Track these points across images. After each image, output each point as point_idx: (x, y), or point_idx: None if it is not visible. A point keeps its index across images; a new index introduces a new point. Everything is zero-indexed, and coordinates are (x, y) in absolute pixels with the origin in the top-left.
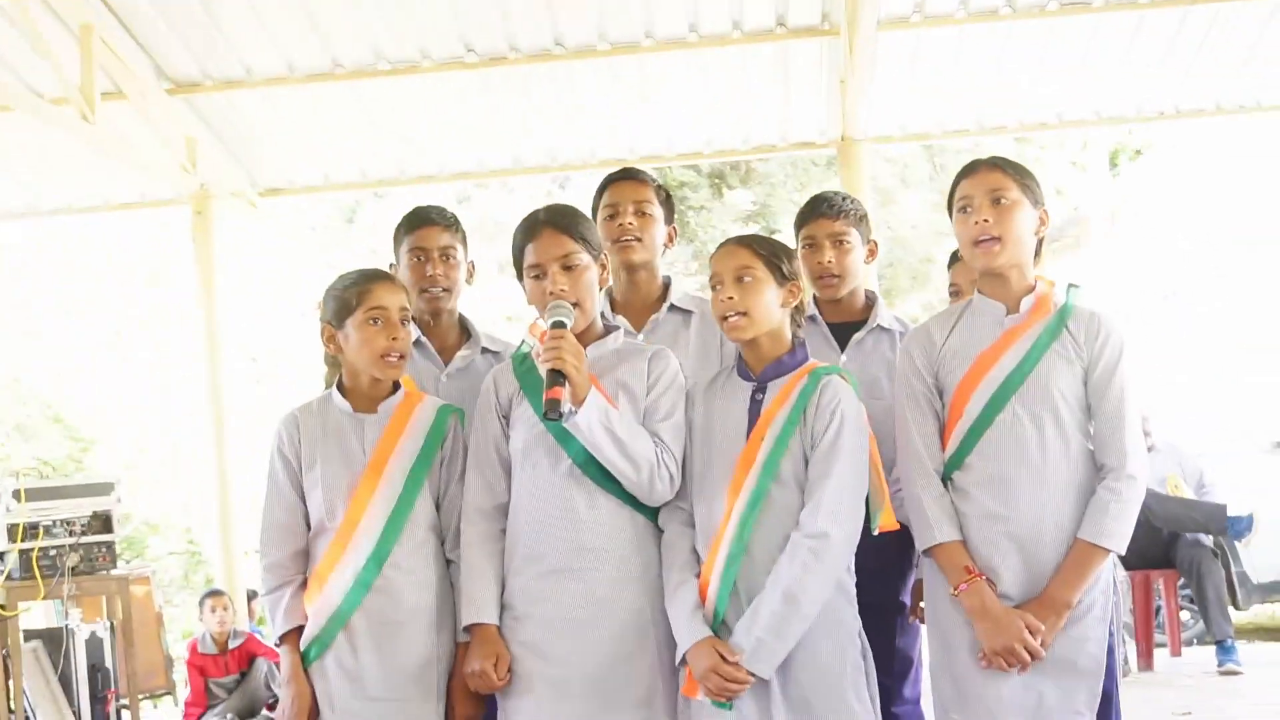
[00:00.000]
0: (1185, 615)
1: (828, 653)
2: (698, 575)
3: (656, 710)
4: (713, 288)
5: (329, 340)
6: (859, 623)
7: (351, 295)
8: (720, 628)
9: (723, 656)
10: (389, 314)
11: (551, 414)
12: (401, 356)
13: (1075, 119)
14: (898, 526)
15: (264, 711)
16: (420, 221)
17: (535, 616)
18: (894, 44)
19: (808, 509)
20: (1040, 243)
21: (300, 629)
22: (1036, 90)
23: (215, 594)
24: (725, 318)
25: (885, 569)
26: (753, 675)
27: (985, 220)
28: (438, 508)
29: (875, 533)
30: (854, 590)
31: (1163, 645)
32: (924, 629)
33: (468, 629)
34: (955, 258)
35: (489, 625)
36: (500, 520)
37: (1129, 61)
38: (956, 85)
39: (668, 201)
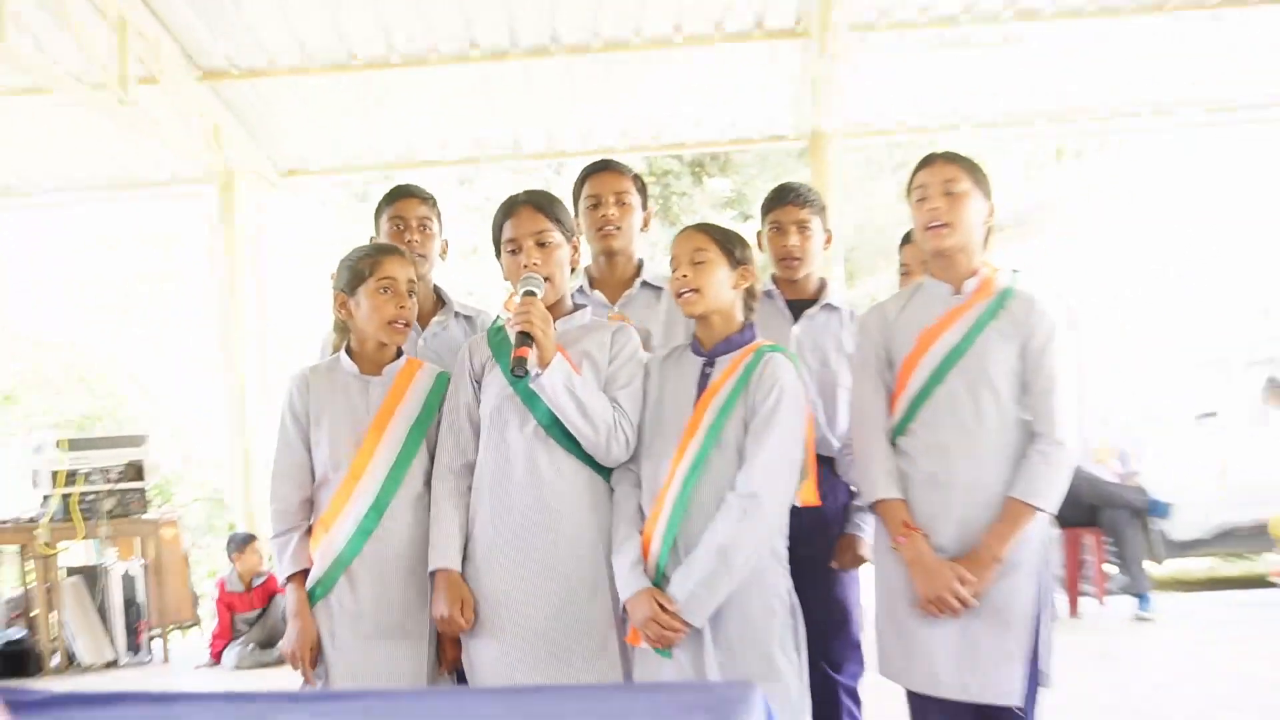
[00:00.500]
0: (1110, 569)
1: (757, 609)
2: (642, 532)
3: (610, 657)
4: (672, 269)
5: (341, 306)
6: (789, 582)
7: (364, 266)
8: (661, 580)
9: (661, 606)
10: (397, 284)
11: (519, 370)
12: (407, 324)
13: (1024, 119)
14: (818, 503)
15: (281, 642)
16: (400, 194)
17: (498, 567)
18: (861, 47)
19: (742, 472)
20: (989, 232)
21: (305, 572)
22: (990, 92)
23: (249, 539)
24: (680, 294)
25: (823, 527)
26: (687, 625)
27: (937, 207)
28: (433, 462)
29: (799, 504)
30: (785, 553)
31: (1088, 594)
32: (862, 579)
33: (432, 574)
34: (906, 239)
35: (453, 570)
36: (467, 477)
37: (1075, 66)
38: (917, 86)
39: (643, 188)
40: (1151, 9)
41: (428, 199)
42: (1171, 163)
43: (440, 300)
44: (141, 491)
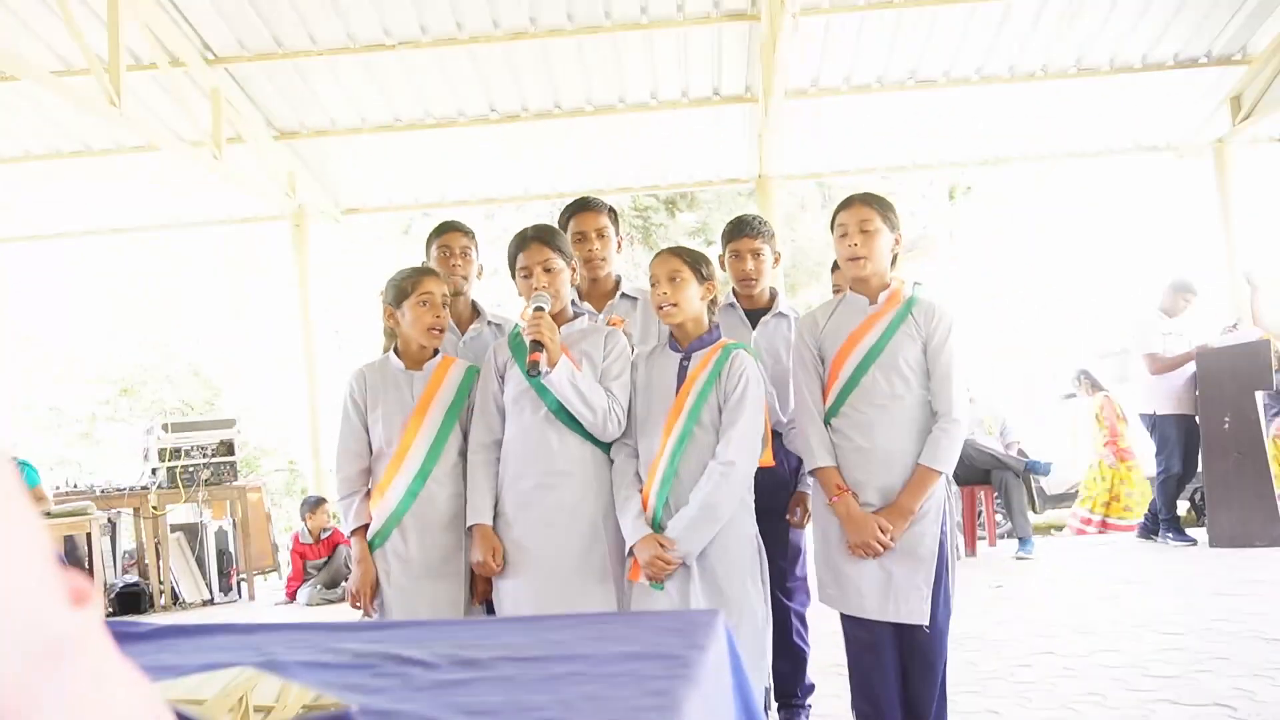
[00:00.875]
0: (999, 518)
1: (733, 548)
2: (640, 491)
3: (609, 589)
4: (651, 285)
5: (389, 317)
6: (756, 529)
7: (407, 284)
8: (658, 530)
9: (662, 545)
10: (434, 299)
11: (533, 372)
12: (442, 330)
13: (924, 164)
14: (772, 463)
15: (343, 583)
16: (447, 228)
17: (520, 520)
18: (797, 109)
19: (721, 444)
20: (895, 256)
21: (365, 526)
22: (898, 143)
23: (320, 501)
24: (660, 307)
25: (780, 486)
26: (680, 562)
27: (855, 243)
28: (465, 438)
29: (760, 466)
30: (753, 505)
31: (983, 538)
32: (808, 528)
33: (469, 529)
34: (836, 265)
35: (486, 525)
36: (496, 450)
37: (963, 123)
38: (841, 139)
39: (616, 218)
40: (1025, 78)
41: (469, 232)
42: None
43: (476, 311)
44: (232, 464)
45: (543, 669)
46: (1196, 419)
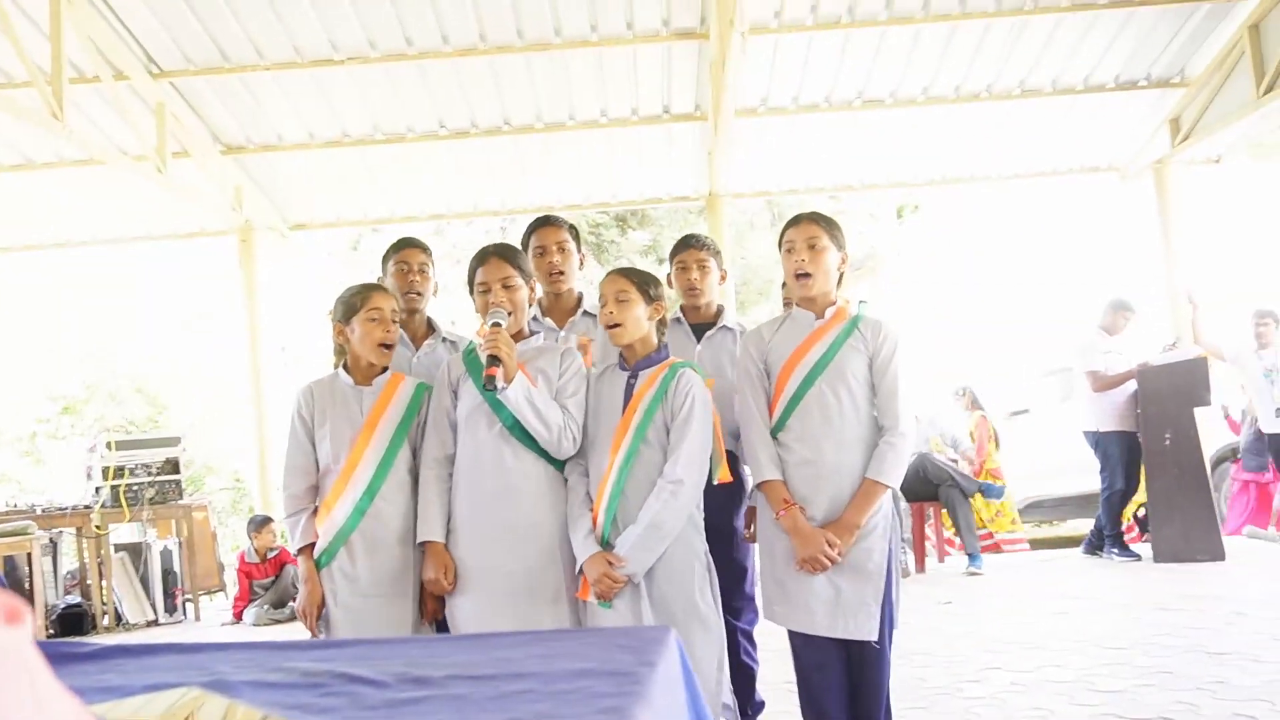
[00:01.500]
0: (949, 534)
1: (680, 565)
2: (591, 510)
3: (562, 607)
4: (600, 305)
5: (339, 333)
6: (705, 545)
7: (356, 300)
8: (606, 548)
9: (610, 564)
10: (384, 314)
11: (489, 386)
12: (391, 346)
13: (872, 183)
14: (731, 479)
15: (290, 603)
16: (405, 245)
17: (473, 537)
18: (746, 128)
19: (669, 462)
20: (842, 275)
21: (312, 545)
22: (846, 162)
23: (266, 519)
24: (608, 327)
25: (726, 504)
26: (628, 578)
27: (803, 259)
28: (414, 455)
29: (715, 483)
30: (702, 522)
31: (931, 555)
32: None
33: (421, 545)
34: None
35: (438, 542)
36: (449, 466)
37: (910, 143)
38: (790, 158)
39: (577, 236)
40: (970, 98)
41: (426, 249)
42: (986, 219)
43: (431, 328)
44: (177, 482)
45: (494, 687)
46: (1138, 435)
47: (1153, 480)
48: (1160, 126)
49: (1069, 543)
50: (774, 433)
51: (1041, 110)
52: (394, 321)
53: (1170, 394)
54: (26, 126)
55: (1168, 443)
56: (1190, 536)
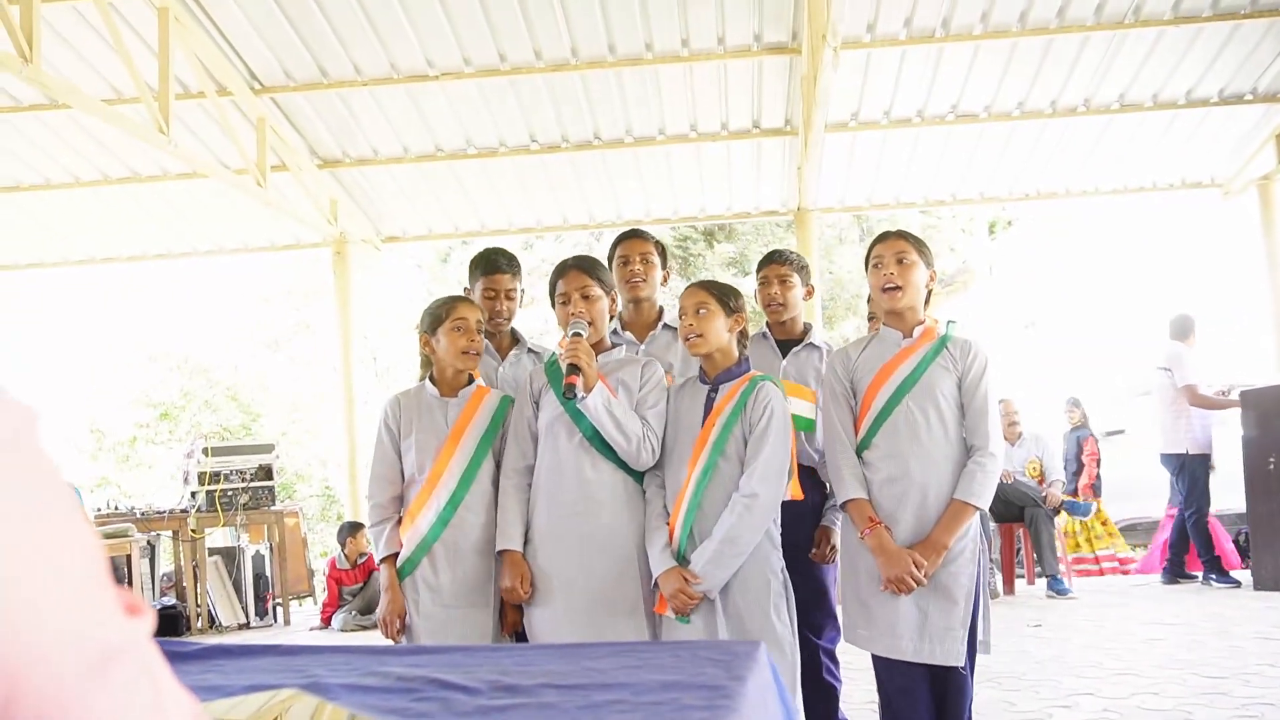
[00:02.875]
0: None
1: (757, 582)
2: (668, 523)
3: (640, 620)
4: (680, 317)
5: (425, 344)
6: (782, 562)
7: (442, 311)
8: (682, 562)
9: (686, 579)
10: (468, 324)
11: (569, 395)
12: (476, 354)
13: (965, 198)
14: (801, 496)
15: (377, 609)
16: (493, 269)
17: (551, 547)
18: (836, 143)
19: (745, 476)
20: (930, 293)
21: (396, 554)
22: (938, 177)
23: (359, 526)
24: (687, 338)
25: (806, 519)
26: (703, 595)
27: (891, 273)
28: (497, 467)
29: (785, 498)
30: (779, 537)
31: (1021, 576)
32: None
33: (499, 554)
34: (872, 296)
35: (515, 551)
36: (528, 477)
37: (1004, 158)
38: (880, 173)
39: (663, 252)
40: (1067, 112)
41: (515, 271)
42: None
43: (515, 339)
44: (270, 488)
45: (584, 696)
46: (1211, 459)
47: (1255, 505)
48: (1266, 142)
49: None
50: (859, 450)
51: (1141, 124)
52: (478, 331)
53: (1276, 417)
54: (134, 141)
55: (1272, 467)
56: None
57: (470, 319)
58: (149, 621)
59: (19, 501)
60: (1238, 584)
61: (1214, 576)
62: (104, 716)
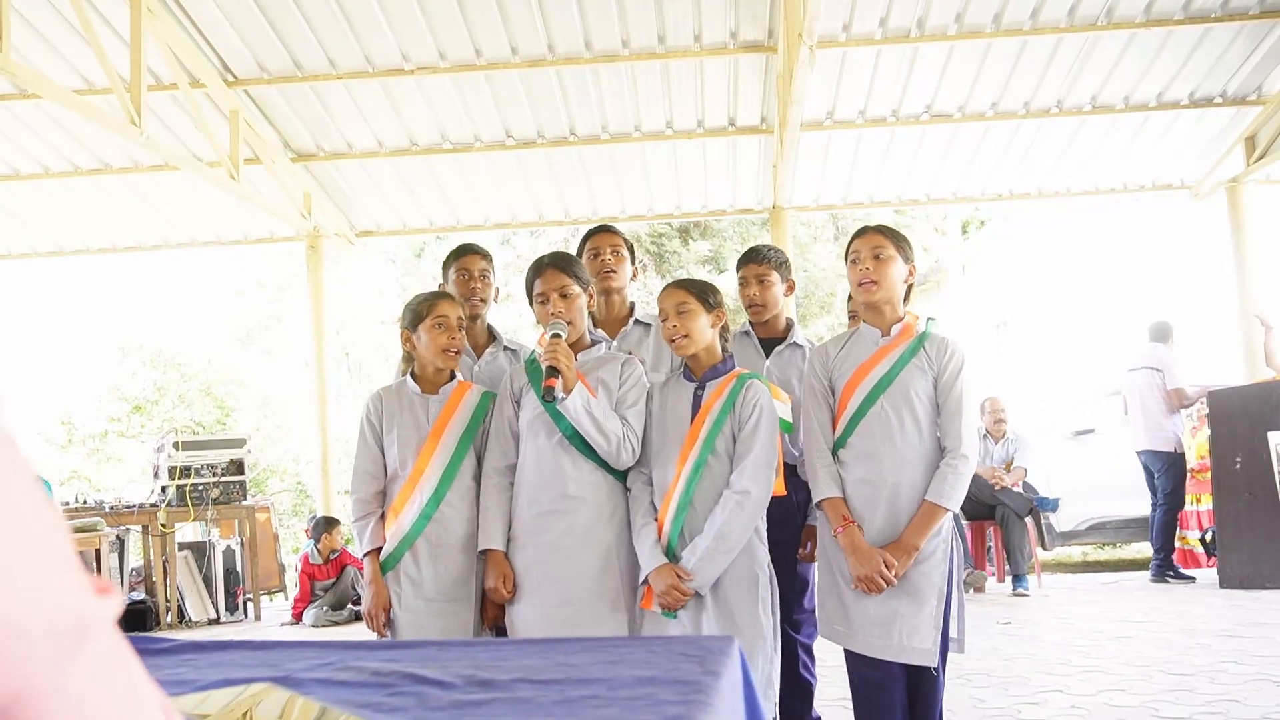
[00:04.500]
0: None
1: (746, 578)
2: (655, 520)
3: (621, 616)
4: (661, 320)
5: (405, 340)
6: (768, 558)
7: (423, 307)
8: (671, 558)
9: (679, 576)
10: (449, 321)
11: (548, 397)
12: (458, 351)
13: (938, 198)
14: (784, 492)
15: (349, 605)
16: (466, 251)
17: (533, 545)
18: (811, 141)
19: (735, 473)
20: (909, 288)
21: (379, 549)
22: (912, 176)
23: (334, 522)
24: (672, 340)
25: (789, 516)
26: (695, 591)
27: (868, 269)
28: (479, 463)
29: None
30: (765, 534)
31: (992, 574)
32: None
33: (482, 553)
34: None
35: (498, 550)
36: (510, 475)
37: (978, 158)
38: (854, 171)
39: (631, 248)
40: (1039, 113)
41: (486, 255)
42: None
43: (492, 335)
44: (242, 483)
45: (559, 691)
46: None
47: (1222, 504)
48: (1235, 145)
49: (1132, 566)
50: (835, 449)
51: (1113, 126)
52: (459, 328)
53: (1242, 416)
54: (104, 132)
55: (1238, 466)
56: (1260, 562)
57: (451, 316)
58: (118, 603)
59: None
60: (1193, 579)
61: (1171, 574)
62: (73, 687)
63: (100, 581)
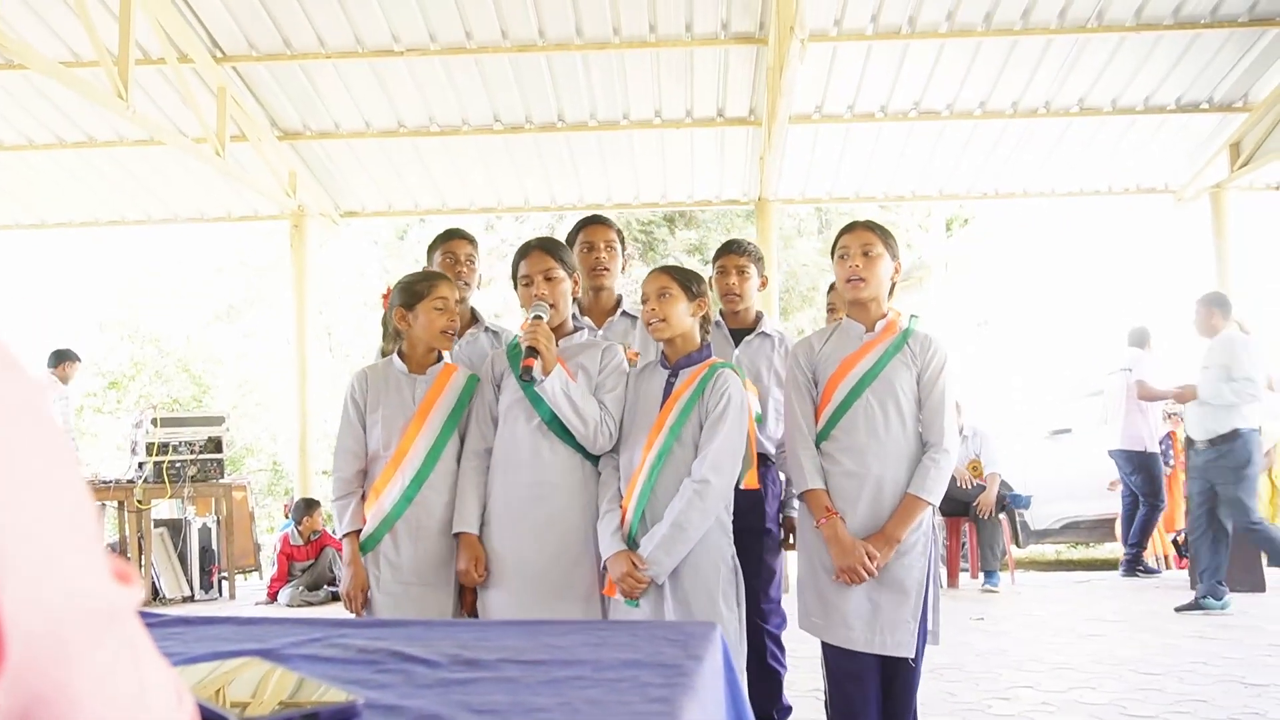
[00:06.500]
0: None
1: (706, 568)
2: (621, 506)
3: (593, 603)
4: (643, 303)
5: (400, 319)
6: (733, 549)
7: (422, 287)
8: (633, 545)
9: (634, 564)
10: (448, 303)
11: (526, 377)
12: (454, 334)
13: (924, 194)
14: (756, 486)
15: (326, 586)
16: (453, 235)
17: (507, 529)
18: (799, 134)
19: (696, 462)
20: (894, 285)
21: (359, 530)
22: (898, 172)
23: (315, 503)
24: (650, 323)
25: (756, 505)
26: (651, 580)
27: (856, 265)
28: (463, 445)
29: (740, 488)
30: (730, 525)
31: (965, 569)
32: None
33: (455, 536)
34: (833, 286)
35: (471, 534)
36: (487, 459)
37: (965, 156)
38: (841, 166)
39: (623, 238)
40: (1027, 114)
41: (472, 240)
42: (1036, 234)
43: (474, 318)
44: (219, 461)
45: (545, 672)
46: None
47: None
48: (1220, 151)
49: (1104, 565)
50: (818, 442)
51: (1100, 128)
52: (456, 311)
53: None
54: (90, 105)
55: None
56: (1230, 567)
57: (450, 298)
58: (139, 590)
59: (39, 461)
60: (1158, 573)
61: (1140, 567)
62: (94, 673)
63: (120, 567)
